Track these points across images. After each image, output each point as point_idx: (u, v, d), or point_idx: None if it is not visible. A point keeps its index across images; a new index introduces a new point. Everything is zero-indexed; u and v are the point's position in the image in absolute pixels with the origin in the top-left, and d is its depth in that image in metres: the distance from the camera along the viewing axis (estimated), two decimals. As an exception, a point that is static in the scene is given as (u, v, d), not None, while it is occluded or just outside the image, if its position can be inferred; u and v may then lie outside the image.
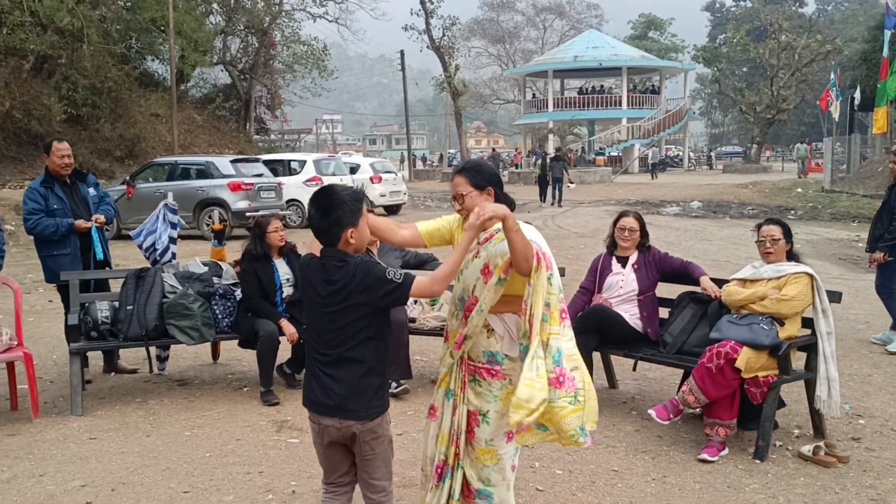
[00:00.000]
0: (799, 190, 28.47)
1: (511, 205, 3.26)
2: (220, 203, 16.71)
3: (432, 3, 43.45)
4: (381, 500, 3.09)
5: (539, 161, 30.35)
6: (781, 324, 4.77)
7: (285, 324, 5.81)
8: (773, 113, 48.06)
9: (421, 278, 2.94)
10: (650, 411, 4.80)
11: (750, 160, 51.50)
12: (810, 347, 4.89)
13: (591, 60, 48.39)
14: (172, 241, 6.42)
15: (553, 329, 3.04)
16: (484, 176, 3.30)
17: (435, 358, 6.92)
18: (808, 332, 4.90)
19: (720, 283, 5.34)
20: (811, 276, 4.81)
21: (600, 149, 46.35)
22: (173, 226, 6.43)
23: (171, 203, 6.51)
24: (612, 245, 5.78)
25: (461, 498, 3.38)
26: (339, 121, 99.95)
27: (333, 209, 2.92)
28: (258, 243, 5.92)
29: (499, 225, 3.09)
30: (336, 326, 2.94)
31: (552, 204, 25.53)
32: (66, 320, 6.06)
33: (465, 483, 3.37)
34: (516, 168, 45.44)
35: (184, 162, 18.28)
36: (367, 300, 2.89)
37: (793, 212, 21.53)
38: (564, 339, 3.08)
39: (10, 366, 5.73)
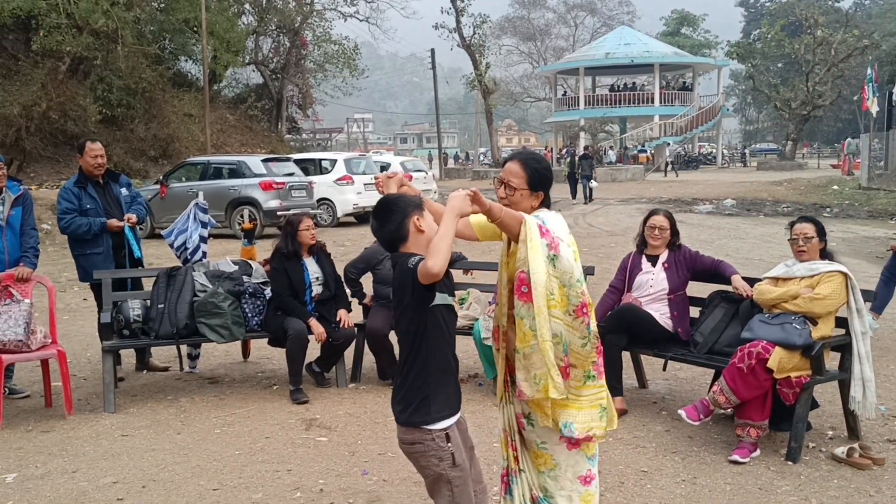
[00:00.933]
0: (835, 187, 28.03)
1: (548, 204, 3.20)
2: (252, 202, 16.84)
3: (463, 2, 43.50)
4: None
5: (568, 159, 30.63)
6: (814, 323, 4.69)
7: (314, 323, 5.84)
8: (808, 109, 47.37)
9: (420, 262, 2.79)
10: (680, 412, 4.75)
11: (785, 157, 50.82)
12: (844, 347, 4.80)
13: (623, 57, 47.98)
14: (203, 240, 6.48)
15: (555, 313, 2.95)
16: (543, 177, 3.16)
17: (463, 356, 6.90)
18: (843, 331, 4.81)
19: (752, 281, 5.27)
20: (845, 275, 4.73)
21: (642, 146, 45.81)
22: (204, 225, 6.49)
23: (201, 202, 6.58)
24: (643, 243, 5.73)
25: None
26: (370, 119, 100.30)
27: (393, 210, 2.88)
28: (289, 241, 5.95)
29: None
30: (397, 325, 2.96)
31: (584, 202, 25.60)
32: (99, 318, 6.14)
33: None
34: (547, 166, 45.20)
35: (216, 161, 18.46)
36: (406, 295, 2.82)
37: (828, 209, 21.19)
38: (575, 335, 3.00)
39: (45, 363, 5.82)
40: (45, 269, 11.97)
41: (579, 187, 26.53)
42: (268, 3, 37.37)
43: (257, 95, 38.62)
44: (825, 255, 4.90)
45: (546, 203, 3.20)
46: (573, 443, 3.14)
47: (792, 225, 5.02)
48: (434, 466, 2.86)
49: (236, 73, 39.21)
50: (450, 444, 2.86)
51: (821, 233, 4.88)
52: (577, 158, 27.60)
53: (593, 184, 26.45)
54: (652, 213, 5.76)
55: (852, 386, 4.72)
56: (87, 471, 4.57)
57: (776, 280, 4.97)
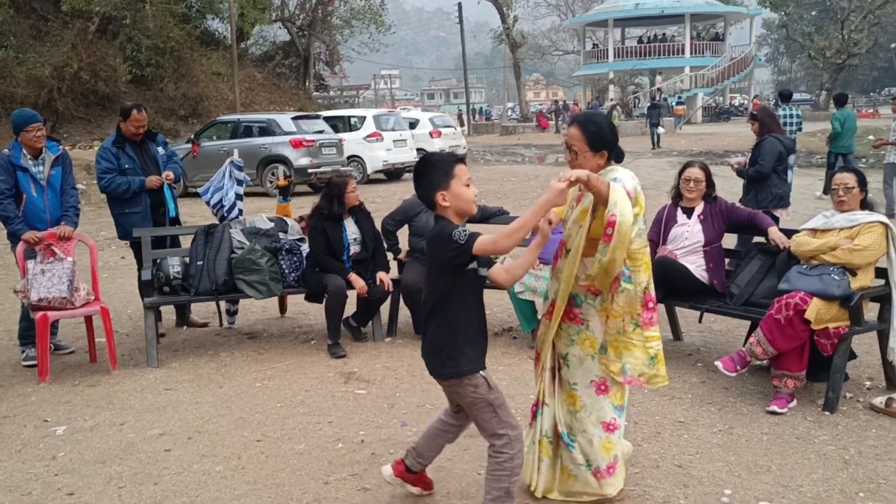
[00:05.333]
0: (871, 137, 27.44)
1: (620, 157, 3.43)
2: (283, 160, 16.90)
3: (490, -46, 42.79)
4: (496, 445, 3.16)
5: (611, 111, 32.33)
6: (853, 274, 4.66)
7: (354, 277, 5.90)
8: (843, 58, 46.42)
9: (485, 237, 2.99)
10: (717, 363, 4.76)
11: (819, 108, 49.87)
12: (883, 298, 4.77)
13: (653, 7, 47.10)
14: (239, 197, 6.53)
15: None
16: (602, 137, 3.34)
17: (497, 311, 6.96)
18: (882, 282, 4.78)
19: (788, 233, 5.23)
20: (886, 226, 4.68)
21: (679, 98, 45.09)
22: (239, 182, 6.53)
23: (236, 160, 6.62)
24: (678, 196, 5.70)
25: (553, 437, 3.53)
26: (396, 76, 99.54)
27: (425, 174, 3.12)
28: (335, 203, 5.97)
29: (604, 171, 3.33)
30: (427, 281, 3.23)
31: (651, 149, 27.78)
32: (139, 276, 6.25)
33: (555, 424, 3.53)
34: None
35: (246, 120, 18.51)
36: (440, 259, 3.04)
37: (864, 160, 20.83)
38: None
39: (89, 320, 5.95)
40: (82, 228, 12.00)
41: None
42: (293, -42, 37.08)
43: (284, 53, 38.52)
44: (865, 205, 4.84)
45: (616, 158, 3.41)
46: (602, 388, 3.42)
47: (833, 175, 4.96)
48: (471, 394, 3.13)
49: (263, 31, 39.06)
50: (481, 373, 3.14)
51: (861, 183, 4.82)
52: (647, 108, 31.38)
53: (661, 130, 29.09)
54: (687, 164, 5.72)
55: (891, 336, 4.71)
56: (133, 423, 4.70)
57: (814, 231, 4.93)
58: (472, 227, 3.11)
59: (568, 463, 3.52)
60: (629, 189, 3.22)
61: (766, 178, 7.11)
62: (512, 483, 3.15)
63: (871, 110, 40.45)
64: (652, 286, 3.37)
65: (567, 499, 3.54)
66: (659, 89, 44.18)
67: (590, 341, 3.39)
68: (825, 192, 13.69)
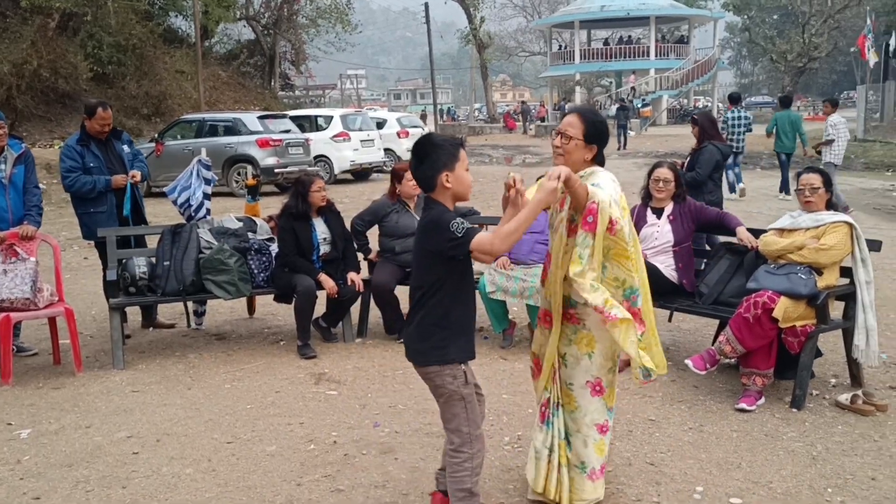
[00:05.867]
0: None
1: (602, 162, 3.39)
2: (249, 160, 16.75)
3: (457, -46, 42.86)
4: (455, 443, 3.14)
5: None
6: (819, 273, 4.73)
7: (324, 278, 5.86)
8: (804, 61, 47.12)
9: (483, 234, 2.96)
10: (687, 361, 4.80)
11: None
12: (848, 296, 4.85)
13: (619, 10, 47.41)
14: (207, 196, 6.45)
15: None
16: (598, 131, 3.34)
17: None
18: (847, 281, 4.86)
19: (756, 233, 5.29)
20: (850, 225, 4.76)
21: (643, 100, 45.41)
22: (207, 181, 6.46)
23: (204, 159, 6.54)
24: (647, 196, 5.73)
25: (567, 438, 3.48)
26: (363, 76, 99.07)
27: (429, 154, 3.03)
28: (300, 202, 5.93)
29: (586, 171, 3.30)
30: (417, 268, 3.16)
31: (618, 149, 28.10)
32: (104, 276, 6.15)
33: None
34: (542, 121, 45.00)
35: (211, 119, 18.32)
36: (434, 247, 2.99)
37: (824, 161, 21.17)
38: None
39: (52, 321, 5.84)
40: (44, 228, 11.76)
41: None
42: (259, -45, 36.78)
43: (249, 52, 38.19)
44: (830, 205, 4.92)
45: (599, 160, 3.37)
46: (596, 390, 3.38)
47: (798, 175, 5.04)
48: (449, 385, 3.09)
49: (228, 29, 38.64)
50: (462, 366, 3.12)
51: (827, 183, 4.90)
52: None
53: (631, 133, 30.54)
54: (656, 165, 5.76)
55: (856, 334, 4.79)
56: (100, 426, 4.62)
57: (781, 231, 5.00)
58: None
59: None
60: (610, 194, 3.18)
61: (701, 184, 7.26)
62: (473, 483, 3.13)
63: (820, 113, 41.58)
64: (641, 298, 3.32)
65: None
66: (633, 88, 44.54)
67: (587, 340, 3.35)
68: (781, 189, 14.00)
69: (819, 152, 13.32)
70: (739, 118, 14.16)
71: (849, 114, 38.20)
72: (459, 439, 3.12)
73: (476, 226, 3.06)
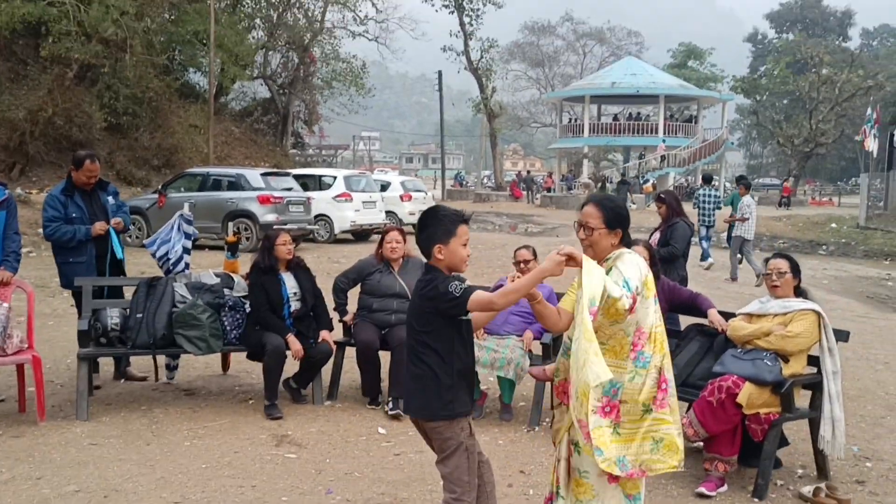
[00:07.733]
0: (833, 225, 28.06)
1: (629, 244, 3.43)
2: (249, 215, 16.83)
3: (471, 26, 43.74)
4: (453, 500, 3.23)
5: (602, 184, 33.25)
6: (786, 360, 4.69)
7: (291, 339, 5.83)
8: (811, 146, 47.54)
9: (481, 294, 3.11)
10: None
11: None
12: (815, 386, 4.80)
13: (629, 87, 48.12)
14: (186, 251, 6.48)
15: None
16: (619, 216, 3.38)
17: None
18: (814, 370, 4.81)
19: (728, 316, 5.27)
20: (818, 314, 4.74)
21: (645, 177, 45.83)
22: (188, 236, 6.50)
23: (186, 213, 6.59)
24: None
25: None
26: (377, 138, 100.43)
27: (428, 226, 3.25)
28: (266, 256, 5.97)
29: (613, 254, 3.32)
30: (413, 327, 3.28)
31: None
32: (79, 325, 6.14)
33: None
34: (548, 192, 45.31)
35: (215, 173, 18.48)
36: (432, 308, 3.15)
37: (824, 247, 21.22)
38: (623, 372, 3.21)
39: (20, 368, 5.81)
40: (38, 273, 11.99)
41: None
42: (278, 19, 37.60)
43: (264, 109, 38.80)
44: (799, 292, 4.91)
45: (625, 241, 3.41)
46: (613, 477, 3.25)
47: (767, 261, 5.04)
48: (456, 437, 3.22)
49: (244, 87, 39.36)
50: (467, 418, 3.29)
51: (794, 269, 4.89)
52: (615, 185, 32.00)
53: (632, 206, 30.16)
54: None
55: (822, 425, 4.72)
56: (51, 478, 4.56)
57: (750, 316, 4.98)
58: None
59: None
60: (633, 278, 3.18)
61: (676, 259, 7.44)
62: None
63: (826, 198, 42.13)
64: (668, 366, 3.28)
65: None
66: (663, 157, 44.77)
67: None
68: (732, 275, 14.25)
69: (731, 225, 14.51)
70: (709, 196, 15.43)
71: (853, 200, 38.47)
72: (461, 489, 3.21)
73: (475, 286, 3.19)
